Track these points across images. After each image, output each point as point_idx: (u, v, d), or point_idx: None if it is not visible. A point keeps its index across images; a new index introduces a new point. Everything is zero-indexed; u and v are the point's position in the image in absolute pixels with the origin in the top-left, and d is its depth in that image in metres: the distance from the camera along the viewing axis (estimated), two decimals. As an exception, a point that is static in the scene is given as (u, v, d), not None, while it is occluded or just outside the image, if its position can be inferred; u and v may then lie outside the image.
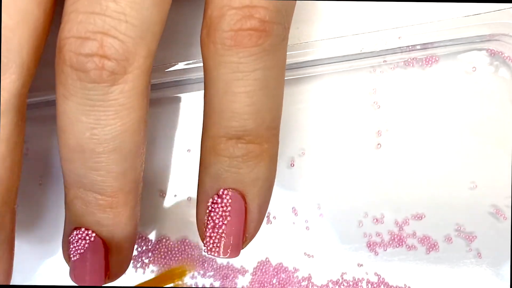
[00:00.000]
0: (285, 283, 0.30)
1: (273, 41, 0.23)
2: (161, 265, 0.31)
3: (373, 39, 0.29)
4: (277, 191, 0.31)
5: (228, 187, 0.24)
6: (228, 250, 0.25)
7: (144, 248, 0.31)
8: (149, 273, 0.31)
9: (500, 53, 0.30)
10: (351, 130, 0.31)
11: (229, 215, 0.24)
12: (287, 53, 0.29)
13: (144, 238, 0.31)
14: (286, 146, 0.31)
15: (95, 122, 0.22)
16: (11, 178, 0.24)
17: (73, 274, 0.25)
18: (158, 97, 0.31)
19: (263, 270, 0.31)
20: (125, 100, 0.22)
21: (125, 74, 0.22)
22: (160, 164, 0.31)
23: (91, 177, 0.23)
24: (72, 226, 0.25)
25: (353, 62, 0.30)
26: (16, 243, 0.31)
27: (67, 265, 0.26)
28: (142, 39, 0.22)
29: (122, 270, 0.26)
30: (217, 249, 0.25)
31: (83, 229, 0.24)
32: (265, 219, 0.31)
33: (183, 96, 0.31)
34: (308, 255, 0.31)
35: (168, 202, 0.31)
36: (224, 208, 0.24)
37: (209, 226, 0.25)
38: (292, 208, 0.31)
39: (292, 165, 0.31)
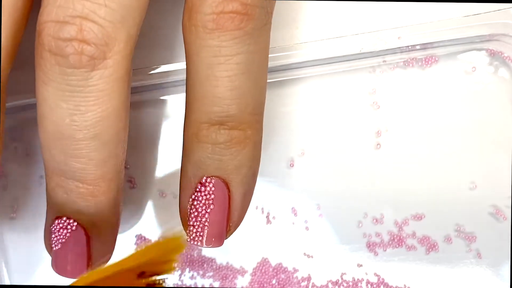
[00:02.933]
0: (284, 283, 0.30)
1: (256, 25, 0.22)
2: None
3: (373, 39, 0.29)
4: (276, 191, 0.31)
5: (211, 174, 0.24)
6: (212, 239, 0.24)
7: (143, 248, 0.31)
8: (148, 273, 0.31)
9: (500, 53, 0.30)
10: (350, 130, 0.31)
11: (212, 204, 0.24)
12: (287, 53, 0.30)
13: (144, 238, 0.31)
14: (286, 146, 0.31)
15: (75, 108, 0.22)
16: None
17: (54, 263, 0.25)
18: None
19: (263, 271, 0.31)
20: (105, 85, 0.22)
21: (104, 59, 0.22)
22: (160, 165, 0.31)
23: (71, 164, 0.23)
24: (54, 215, 0.25)
25: (352, 62, 0.30)
26: (16, 243, 0.31)
27: (49, 255, 0.25)
28: (122, 24, 0.22)
29: (104, 260, 0.26)
30: (200, 238, 0.24)
31: (64, 218, 0.24)
32: (265, 219, 0.31)
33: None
34: (307, 256, 0.31)
35: (168, 202, 0.31)
36: (208, 197, 0.24)
37: (192, 215, 0.24)
38: (292, 208, 0.31)
39: (291, 165, 0.31)
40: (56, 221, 0.24)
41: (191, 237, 0.24)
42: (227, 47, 0.22)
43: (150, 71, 0.29)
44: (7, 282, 0.31)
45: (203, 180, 0.24)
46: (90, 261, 0.25)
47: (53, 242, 0.24)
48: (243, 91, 0.23)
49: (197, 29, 0.22)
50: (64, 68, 0.21)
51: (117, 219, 0.25)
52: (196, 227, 0.24)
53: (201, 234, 0.24)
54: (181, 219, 0.25)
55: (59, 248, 0.24)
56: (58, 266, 0.25)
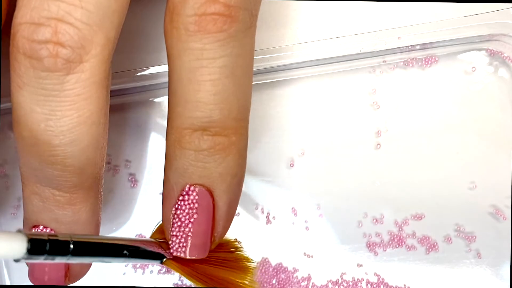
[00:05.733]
0: (284, 283, 0.30)
1: (239, 27, 0.21)
2: (160, 265, 0.31)
3: (373, 39, 0.29)
4: (276, 191, 0.31)
5: (194, 182, 0.23)
6: (196, 250, 0.23)
7: (144, 248, 0.31)
8: (148, 274, 0.31)
9: (500, 53, 0.30)
10: (350, 130, 0.31)
11: (196, 213, 0.23)
12: (287, 53, 0.30)
13: (144, 238, 0.31)
14: (286, 146, 0.31)
15: (50, 113, 0.21)
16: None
17: (31, 274, 0.24)
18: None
19: (263, 270, 0.31)
20: (81, 90, 0.21)
21: (81, 63, 0.21)
22: (160, 164, 0.31)
23: (47, 171, 0.22)
24: (30, 224, 0.24)
25: (352, 62, 0.30)
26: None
27: (26, 265, 0.24)
28: (99, 26, 0.21)
29: (82, 271, 0.25)
30: (183, 249, 0.23)
31: (41, 227, 0.23)
32: (265, 219, 0.31)
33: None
34: (307, 256, 0.31)
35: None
36: (191, 206, 0.23)
37: (175, 225, 0.23)
38: (292, 208, 0.31)
39: (291, 165, 0.31)
40: (33, 230, 0.23)
41: (174, 248, 0.23)
42: (210, 50, 0.21)
43: (141, 72, 0.29)
44: (7, 282, 0.31)
45: (187, 189, 0.23)
46: (67, 272, 0.24)
47: None
48: (226, 96, 0.22)
49: (179, 31, 0.21)
50: (39, 71, 0.21)
51: (96, 228, 0.24)
52: (179, 237, 0.23)
53: (184, 244, 0.23)
54: (163, 228, 0.24)
55: None
56: (36, 278, 0.24)
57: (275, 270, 0.31)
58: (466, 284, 0.30)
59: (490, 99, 0.30)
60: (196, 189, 0.23)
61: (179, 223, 0.23)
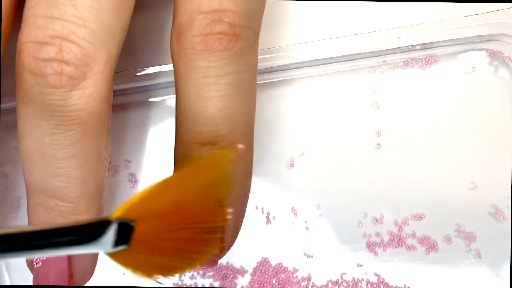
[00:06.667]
0: (284, 283, 0.30)
1: (244, 45, 0.23)
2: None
3: (373, 39, 0.29)
4: (276, 191, 0.31)
5: None
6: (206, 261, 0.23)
7: (144, 248, 0.31)
8: (148, 273, 0.31)
9: (500, 53, 0.30)
10: (350, 130, 0.31)
11: None
12: (287, 53, 0.30)
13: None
14: (286, 146, 0.31)
15: (55, 127, 0.22)
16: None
17: (36, 282, 0.25)
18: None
19: (263, 271, 0.31)
20: (85, 105, 0.22)
21: (84, 80, 0.22)
22: (160, 164, 0.31)
23: (51, 183, 0.23)
24: None
25: (352, 62, 0.30)
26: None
27: (31, 273, 0.25)
28: (102, 44, 0.22)
29: (86, 277, 0.25)
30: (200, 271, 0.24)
31: None
32: (265, 219, 0.31)
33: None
34: (307, 256, 0.31)
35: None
36: None
37: None
38: (292, 208, 0.31)
39: (291, 165, 0.31)
40: None
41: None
42: (217, 67, 0.22)
43: (141, 72, 0.29)
44: (7, 282, 0.31)
45: None
46: (71, 279, 0.25)
47: (35, 260, 0.24)
48: (233, 111, 0.23)
49: (186, 51, 0.22)
50: (44, 88, 0.21)
51: None
52: None
53: None
54: None
55: (40, 266, 0.24)
56: (40, 277, 0.25)
57: (275, 270, 0.31)
58: (466, 284, 0.30)
59: (490, 99, 0.30)
60: None
61: None
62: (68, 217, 0.24)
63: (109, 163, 0.31)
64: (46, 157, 0.23)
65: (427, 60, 0.30)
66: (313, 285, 0.30)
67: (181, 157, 0.24)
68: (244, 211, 0.25)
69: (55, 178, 0.23)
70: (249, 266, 0.31)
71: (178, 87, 0.23)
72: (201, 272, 0.31)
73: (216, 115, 0.23)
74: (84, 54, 0.21)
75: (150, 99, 0.31)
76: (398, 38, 0.29)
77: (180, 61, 0.23)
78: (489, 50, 0.30)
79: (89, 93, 0.22)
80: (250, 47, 0.23)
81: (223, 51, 0.22)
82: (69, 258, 0.24)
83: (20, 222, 0.31)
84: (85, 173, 0.23)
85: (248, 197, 0.25)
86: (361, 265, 0.30)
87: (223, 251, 0.25)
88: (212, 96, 0.23)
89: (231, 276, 0.31)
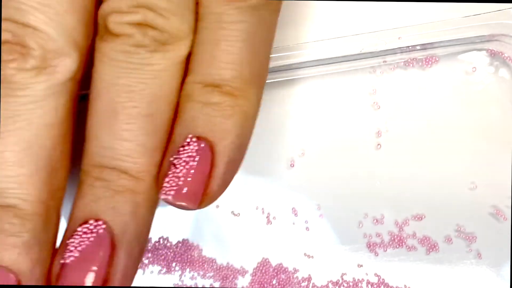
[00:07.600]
0: (285, 283, 0.30)
1: (259, 2, 0.23)
2: (160, 266, 0.31)
3: (373, 39, 0.29)
4: (277, 191, 0.31)
5: (197, 134, 0.23)
6: (184, 194, 0.23)
7: (144, 248, 0.31)
8: (148, 274, 0.31)
9: (500, 54, 0.30)
10: (351, 130, 0.31)
11: (193, 161, 0.23)
12: (288, 53, 0.30)
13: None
14: (286, 146, 0.31)
15: (133, 85, 0.22)
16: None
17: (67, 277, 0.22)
18: None
19: (263, 271, 0.31)
20: (165, 66, 0.23)
21: (167, 45, 0.23)
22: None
23: (116, 149, 0.23)
24: (79, 219, 0.23)
25: (353, 63, 0.30)
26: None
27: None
28: (183, 16, 0.23)
29: (127, 282, 0.23)
30: (171, 192, 0.23)
31: (90, 222, 0.22)
32: (265, 219, 0.31)
33: None
34: (308, 256, 0.31)
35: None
36: (190, 154, 0.23)
37: (169, 173, 0.23)
38: (292, 209, 0.31)
39: (292, 165, 0.31)
40: (79, 228, 0.22)
41: (163, 192, 0.23)
42: (229, 14, 0.23)
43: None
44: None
45: (188, 139, 0.23)
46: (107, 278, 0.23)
47: (72, 245, 0.22)
48: (240, 58, 0.23)
49: None
50: (127, 46, 0.22)
51: (148, 229, 0.24)
52: (171, 183, 0.23)
53: (174, 186, 0.23)
54: (158, 183, 0.23)
55: (77, 256, 0.22)
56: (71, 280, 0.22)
57: (275, 271, 0.31)
58: (467, 284, 0.30)
59: (491, 99, 0.30)
60: (197, 140, 0.23)
61: (173, 169, 0.23)
62: (125, 195, 0.23)
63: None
64: (119, 115, 0.23)
65: (427, 60, 0.30)
66: (314, 285, 0.30)
67: (183, 97, 0.24)
68: (236, 166, 0.24)
69: (121, 143, 0.23)
70: (250, 267, 0.31)
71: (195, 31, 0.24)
72: (201, 273, 0.31)
73: (221, 58, 0.23)
74: (165, 23, 0.22)
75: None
76: (399, 38, 0.29)
77: (197, 9, 0.23)
78: (489, 51, 0.30)
79: (170, 56, 0.23)
80: (268, 6, 0.24)
81: (238, 2, 0.23)
82: (113, 250, 0.22)
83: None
84: (155, 143, 0.23)
85: (243, 153, 0.24)
86: (361, 266, 0.30)
87: (206, 196, 0.23)
88: (220, 39, 0.23)
89: (232, 276, 0.31)
